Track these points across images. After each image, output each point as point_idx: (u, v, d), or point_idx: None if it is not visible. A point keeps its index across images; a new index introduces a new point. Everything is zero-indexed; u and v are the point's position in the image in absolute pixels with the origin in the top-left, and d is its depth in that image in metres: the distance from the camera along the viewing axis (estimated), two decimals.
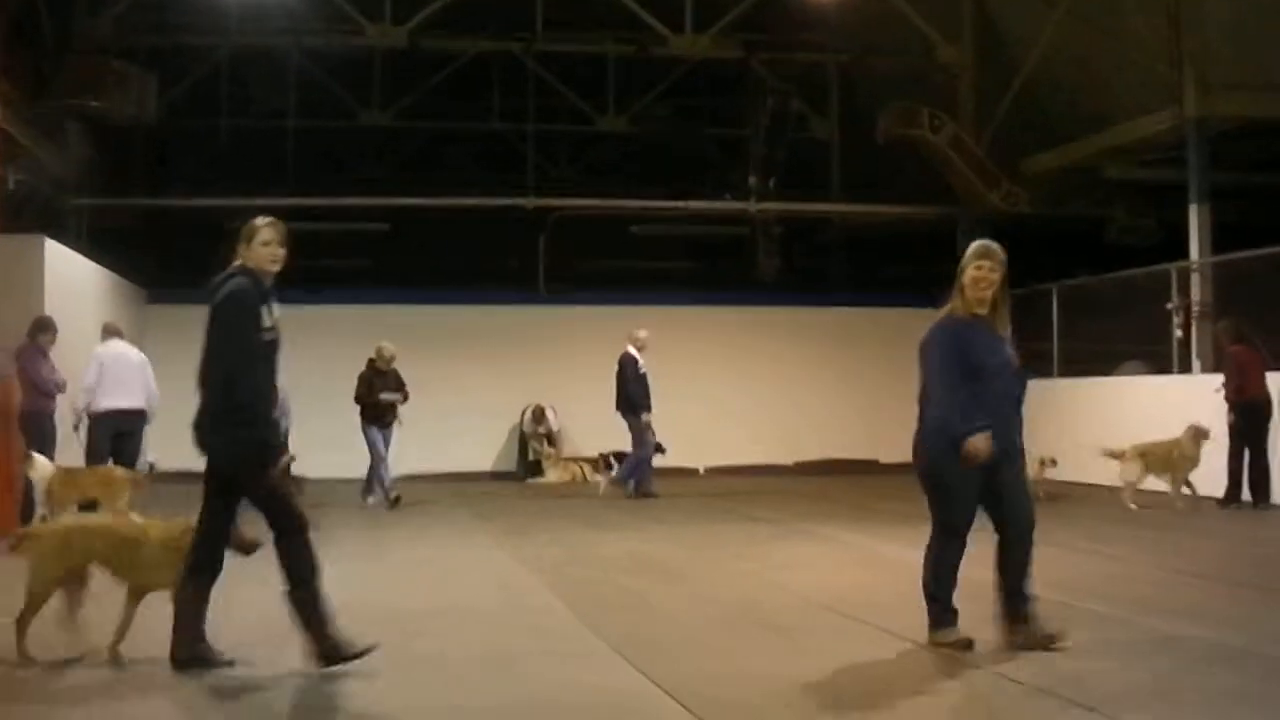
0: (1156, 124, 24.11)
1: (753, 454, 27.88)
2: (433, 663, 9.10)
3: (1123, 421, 22.33)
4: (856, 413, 28.41)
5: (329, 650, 8.61)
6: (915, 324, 30.03)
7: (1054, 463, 21.10)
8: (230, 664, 8.75)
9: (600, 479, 24.15)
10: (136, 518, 9.79)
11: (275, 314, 9.10)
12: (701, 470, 26.33)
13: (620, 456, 23.48)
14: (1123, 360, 24.79)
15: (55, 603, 9.24)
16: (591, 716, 7.71)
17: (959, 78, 30.13)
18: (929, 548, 9.33)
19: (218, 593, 8.99)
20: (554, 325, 27.47)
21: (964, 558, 9.23)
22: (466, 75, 31.95)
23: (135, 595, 9.30)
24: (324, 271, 30.90)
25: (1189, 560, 14.10)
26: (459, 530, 17.96)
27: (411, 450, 26.51)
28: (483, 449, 27.38)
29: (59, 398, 16.84)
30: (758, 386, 28.26)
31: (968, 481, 9.10)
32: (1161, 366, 23.49)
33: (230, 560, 9.12)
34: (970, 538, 9.16)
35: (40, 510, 15.57)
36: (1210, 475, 19.11)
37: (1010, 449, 9.28)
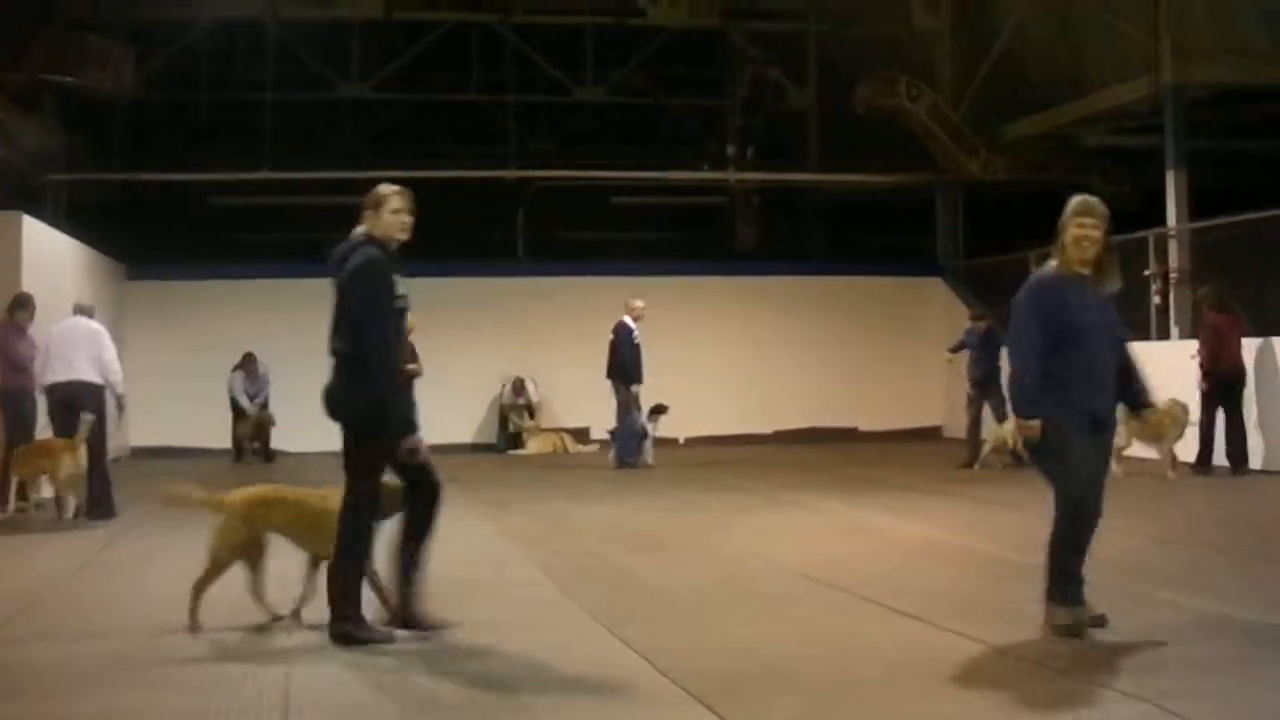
0: (1134, 91, 24.12)
1: (732, 423, 27.91)
2: (419, 636, 9.08)
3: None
4: (836, 381, 28.45)
5: (347, 630, 8.71)
6: (894, 292, 30.23)
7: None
8: (388, 639, 8.77)
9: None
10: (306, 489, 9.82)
11: (403, 282, 9.06)
12: (681, 440, 26.34)
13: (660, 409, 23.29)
14: None
15: (239, 571, 9.40)
16: (574, 686, 7.74)
17: (936, 46, 30.17)
18: (1054, 525, 8.64)
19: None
20: (534, 296, 27.44)
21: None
22: (444, 46, 31.86)
23: (315, 563, 9.41)
24: (307, 245, 30.93)
25: (1169, 527, 14.18)
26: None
27: None
28: (463, 421, 27.37)
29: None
30: (737, 356, 28.28)
31: (1076, 444, 8.47)
32: (1140, 333, 23.56)
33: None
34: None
35: None
36: (1184, 442, 19.15)
37: (1103, 417, 8.69)
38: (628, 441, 22.68)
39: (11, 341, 16.25)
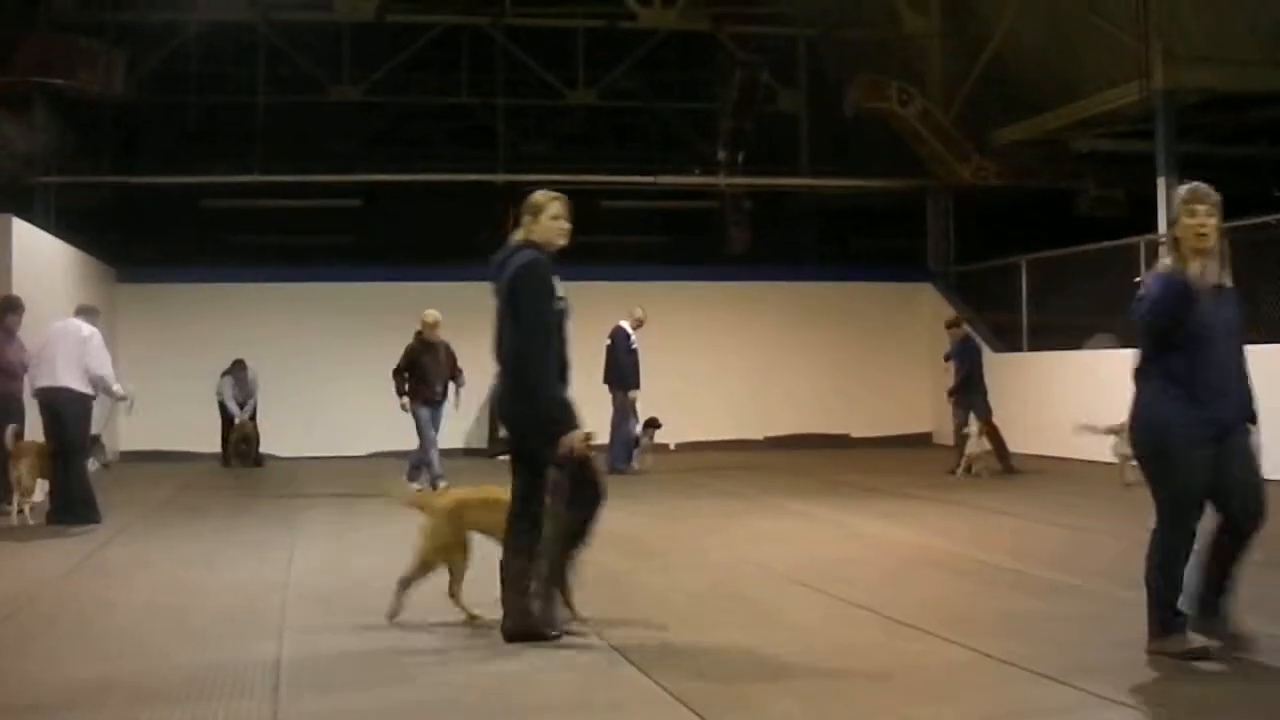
0: (1124, 96, 24.15)
1: (724, 428, 27.90)
2: (408, 639, 9.09)
3: (1092, 395, 22.41)
4: (827, 386, 28.47)
5: (519, 625, 8.83)
6: (884, 297, 30.22)
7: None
8: (558, 637, 8.84)
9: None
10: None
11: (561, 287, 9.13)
12: (672, 446, 26.31)
13: (653, 423, 23.37)
14: (1092, 333, 24.86)
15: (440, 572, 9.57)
16: (566, 690, 7.72)
17: (927, 50, 30.18)
18: (1153, 536, 8.20)
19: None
20: None
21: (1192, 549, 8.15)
22: (435, 49, 31.88)
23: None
24: (298, 248, 30.88)
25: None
26: None
27: (383, 427, 26.53)
28: (453, 425, 27.29)
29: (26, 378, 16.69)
30: (728, 360, 28.28)
31: (1191, 455, 7.90)
32: (1131, 340, 23.53)
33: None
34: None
35: None
36: None
37: (1234, 422, 8.07)
38: (620, 448, 22.67)
39: (1, 345, 16.20)
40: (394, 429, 26.39)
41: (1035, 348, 26.27)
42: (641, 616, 9.68)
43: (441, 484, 18.89)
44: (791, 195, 33.12)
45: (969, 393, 21.62)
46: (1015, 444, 22.41)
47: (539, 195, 9.33)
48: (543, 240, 9.16)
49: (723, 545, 13.76)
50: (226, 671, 8.17)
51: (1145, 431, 8.19)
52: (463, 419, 27.23)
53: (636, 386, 22.62)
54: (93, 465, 16.59)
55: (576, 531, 9.05)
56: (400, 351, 23.83)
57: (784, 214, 34.15)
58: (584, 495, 9.03)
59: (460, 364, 20.20)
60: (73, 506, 15.48)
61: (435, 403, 20.03)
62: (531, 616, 8.83)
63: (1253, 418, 8.25)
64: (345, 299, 27.48)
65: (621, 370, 22.60)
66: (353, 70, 31.55)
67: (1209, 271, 8.05)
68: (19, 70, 24.81)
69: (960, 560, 10.60)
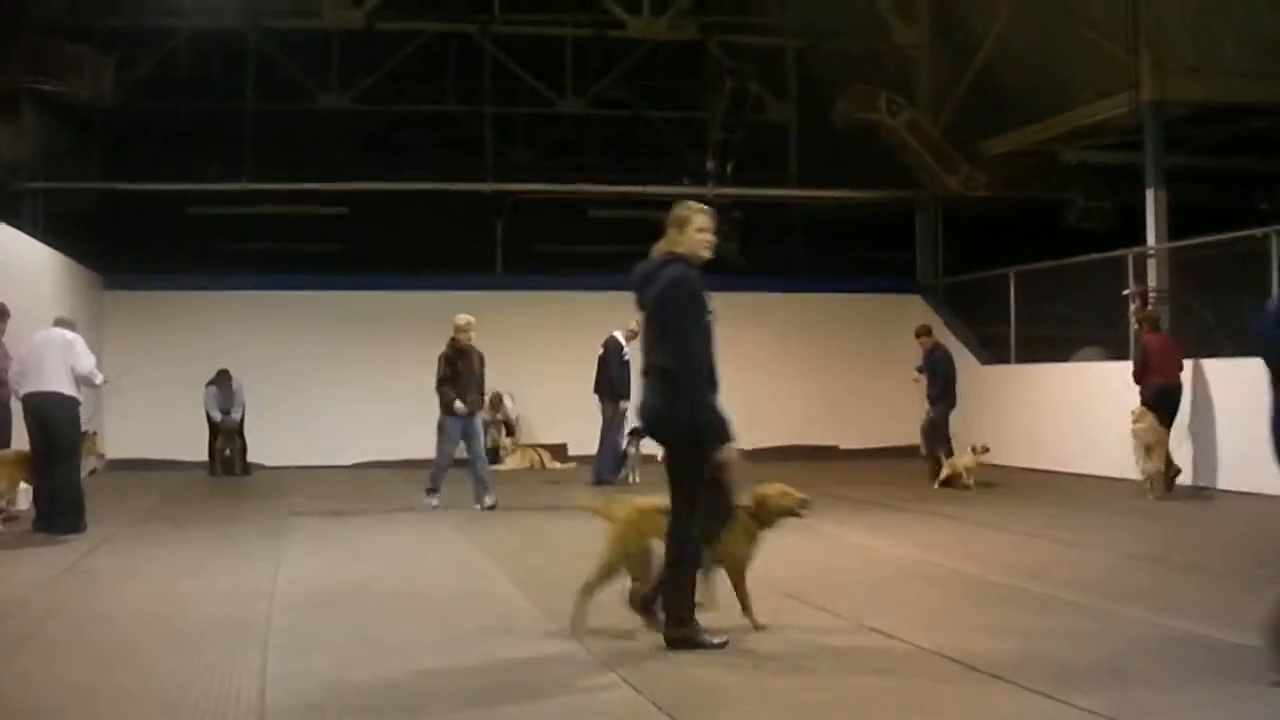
0: (1113, 108, 24.16)
1: None
2: (394, 647, 9.10)
3: (1080, 407, 22.47)
4: (816, 397, 28.46)
5: (683, 634, 8.91)
6: (873, 308, 30.23)
7: (985, 449, 21.20)
8: (722, 645, 8.89)
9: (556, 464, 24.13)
10: None
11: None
12: (659, 457, 26.24)
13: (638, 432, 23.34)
14: (1080, 345, 24.90)
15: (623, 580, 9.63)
16: (551, 700, 7.71)
17: (916, 61, 30.21)
18: None
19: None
20: (511, 309, 27.27)
21: None
22: (424, 57, 31.87)
23: (705, 569, 9.60)
24: (286, 256, 30.81)
25: (1134, 543, 14.16)
26: (417, 516, 17.91)
27: (370, 436, 26.52)
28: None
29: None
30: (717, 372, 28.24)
31: None
32: (1119, 352, 23.53)
33: None
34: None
35: None
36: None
37: None
38: (607, 458, 22.64)
39: None
40: (381, 438, 26.48)
41: (1023, 359, 26.27)
42: (626, 626, 9.65)
43: (434, 501, 18.53)
44: (780, 206, 33.08)
45: (935, 405, 21.79)
46: (1003, 456, 22.46)
47: (686, 208, 9.46)
48: (689, 252, 9.26)
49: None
50: (213, 680, 8.15)
51: None
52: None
53: (628, 397, 22.57)
54: (95, 463, 16.51)
55: (677, 545, 9.08)
56: (391, 359, 23.88)
57: (773, 224, 34.14)
58: (715, 507, 9.17)
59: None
60: (60, 513, 15.38)
61: (469, 413, 19.13)
62: (692, 625, 8.95)
63: None
64: (333, 307, 27.43)
65: (613, 381, 22.56)
66: (341, 78, 31.52)
67: None
68: (7, 75, 24.73)
69: (949, 573, 10.60)
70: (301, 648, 9.07)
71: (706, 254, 9.29)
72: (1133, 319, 21.39)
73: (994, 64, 27.36)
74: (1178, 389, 19.90)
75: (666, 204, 29.74)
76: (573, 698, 7.86)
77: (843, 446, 28.43)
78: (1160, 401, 19.71)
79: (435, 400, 24.09)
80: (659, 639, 8.98)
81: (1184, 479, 19.47)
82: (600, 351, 22.81)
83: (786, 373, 28.53)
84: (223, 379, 25.38)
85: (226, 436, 25.31)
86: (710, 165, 31.12)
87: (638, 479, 22.68)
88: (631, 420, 22.90)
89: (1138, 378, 20.09)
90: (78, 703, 7.60)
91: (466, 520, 17.28)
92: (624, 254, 33.85)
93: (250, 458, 25.53)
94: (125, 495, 20.20)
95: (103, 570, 12.83)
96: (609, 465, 22.58)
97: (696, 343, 8.98)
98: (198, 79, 31.07)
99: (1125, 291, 23.24)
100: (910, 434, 26.36)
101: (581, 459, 25.06)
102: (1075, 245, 25.07)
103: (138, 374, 24.56)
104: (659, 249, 9.35)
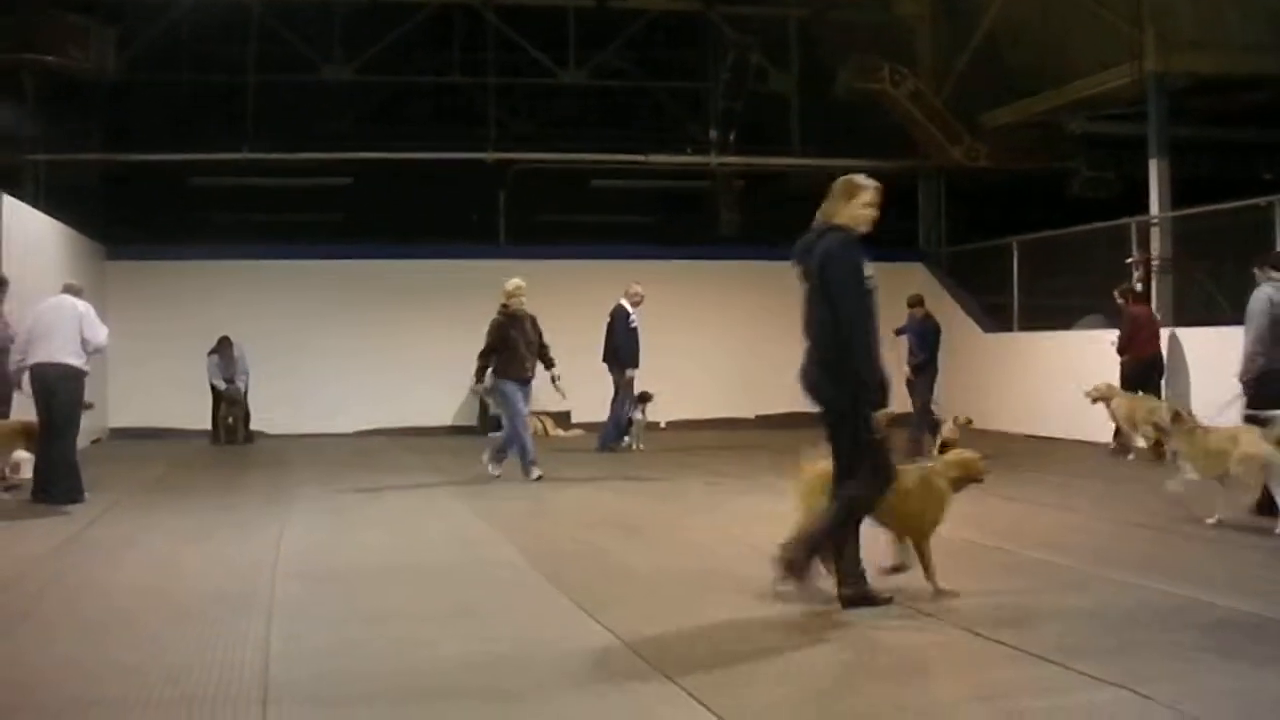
0: (1117, 78, 24.14)
1: (714, 407, 27.90)
2: (397, 617, 9.11)
3: (1082, 375, 22.45)
4: None
5: (855, 592, 9.11)
6: (877, 277, 29.82)
7: (969, 422, 21.17)
8: (889, 601, 9.10)
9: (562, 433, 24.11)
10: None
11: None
12: (663, 424, 26.26)
13: (645, 396, 23.32)
14: (1083, 314, 24.89)
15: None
16: (553, 669, 7.69)
17: (919, 31, 30.14)
18: None
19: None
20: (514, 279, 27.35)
21: None
22: (427, 28, 31.77)
23: (900, 538, 9.74)
24: (288, 227, 30.77)
25: (1134, 511, 14.15)
26: (418, 485, 17.90)
27: (372, 405, 26.57)
28: (443, 404, 27.34)
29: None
30: (719, 340, 28.28)
31: None
32: (1119, 321, 23.59)
33: None
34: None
35: None
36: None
37: None
38: (611, 426, 22.65)
39: None
40: (383, 407, 26.53)
41: (1026, 328, 26.26)
42: (630, 595, 9.67)
43: (535, 471, 17.84)
44: (782, 175, 33.04)
45: (920, 374, 21.82)
46: (1006, 424, 22.46)
47: (855, 179, 9.52)
48: (850, 223, 9.33)
49: (713, 524, 13.77)
50: (216, 652, 8.15)
51: None
52: (453, 397, 27.24)
53: (635, 365, 22.54)
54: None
55: (858, 506, 9.19)
56: (394, 329, 23.78)
57: (775, 194, 34.11)
58: (873, 471, 9.16)
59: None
60: (57, 483, 15.38)
61: (526, 380, 18.27)
62: (866, 584, 9.14)
63: None
64: (335, 277, 27.44)
65: (620, 349, 22.51)
66: (344, 49, 31.42)
67: None
68: (8, 47, 24.69)
69: (950, 541, 10.56)
70: (305, 618, 9.09)
71: (865, 228, 9.37)
72: (1116, 294, 21.47)
73: (997, 34, 27.31)
74: (1160, 359, 20.60)
75: (670, 174, 29.82)
76: (569, 664, 7.87)
77: None
78: (1144, 372, 20.33)
79: (437, 368, 24.19)
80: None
81: None
82: (607, 320, 22.75)
83: (787, 341, 28.35)
84: (224, 346, 25.37)
85: (230, 404, 25.33)
86: (713, 135, 31.12)
87: (642, 446, 22.74)
88: (638, 388, 22.97)
89: (1122, 349, 20.56)
90: (78, 676, 7.58)
91: (467, 488, 17.27)
92: (626, 224, 34.01)
93: (253, 426, 25.56)
94: (128, 464, 20.22)
95: (104, 541, 12.83)
96: (611, 433, 22.59)
97: (860, 307, 9.07)
98: (200, 50, 30.99)
99: (1128, 260, 23.24)
100: (909, 402, 26.44)
101: (588, 426, 25.08)
102: (1078, 215, 25.06)
103: (140, 342, 24.62)
104: (821, 217, 9.49)
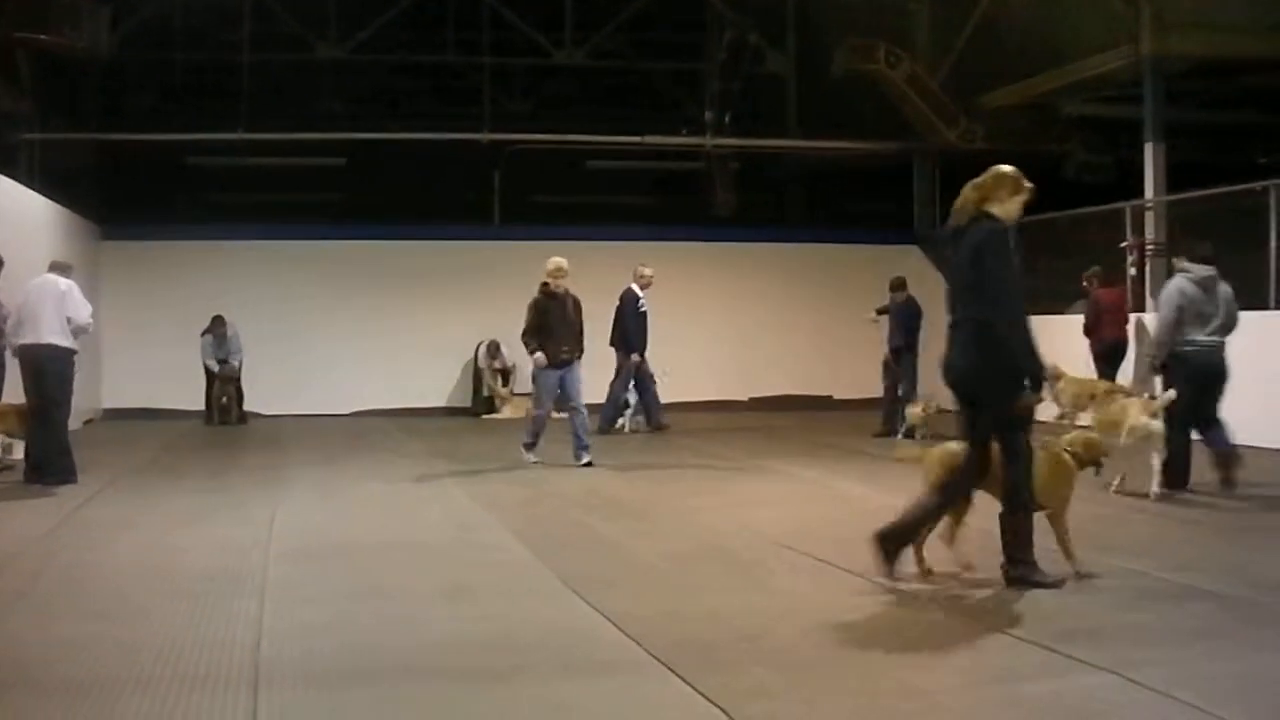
0: (1113, 61, 24.08)
1: (708, 390, 27.85)
2: (389, 598, 9.12)
3: (1077, 358, 22.44)
4: (812, 348, 28.42)
5: (1022, 573, 9.24)
6: (870, 260, 29.99)
7: (939, 409, 21.15)
8: (1059, 584, 9.16)
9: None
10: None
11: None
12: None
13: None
14: (1077, 298, 24.86)
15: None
16: (548, 653, 7.71)
17: (915, 12, 30.07)
18: None
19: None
20: (509, 260, 27.15)
21: None
22: (422, 8, 31.67)
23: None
24: (283, 207, 30.74)
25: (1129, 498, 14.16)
26: (413, 466, 17.86)
27: (367, 386, 26.54)
28: (437, 384, 27.31)
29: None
30: (713, 322, 28.24)
31: None
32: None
33: None
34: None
35: None
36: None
37: None
38: (609, 409, 22.61)
39: None
40: (378, 387, 26.52)
41: None
42: (624, 578, 9.67)
43: (532, 457, 17.74)
44: (778, 157, 33.03)
45: (902, 357, 21.87)
46: None
47: (1021, 177, 9.68)
48: (1004, 216, 9.47)
49: (708, 507, 13.74)
50: (209, 630, 8.17)
51: None
52: (446, 378, 27.23)
53: (640, 350, 22.48)
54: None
55: (1020, 488, 9.36)
56: (389, 309, 23.73)
57: (771, 175, 34.10)
58: (1015, 453, 9.35)
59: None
60: (50, 464, 15.38)
61: (563, 363, 17.52)
62: (1033, 565, 9.24)
63: None
64: (330, 257, 27.41)
65: (628, 333, 22.46)
66: (339, 29, 31.34)
67: None
68: (1, 27, 24.60)
69: (945, 524, 10.55)
70: (298, 598, 9.10)
71: (1010, 222, 9.53)
72: (1083, 279, 21.67)
73: (994, 16, 27.23)
74: (1125, 343, 21.03)
75: (666, 155, 29.70)
76: (558, 645, 7.88)
77: (836, 396, 28.41)
78: (1110, 355, 20.76)
79: (432, 350, 24.16)
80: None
81: None
82: (617, 304, 22.67)
83: (782, 323, 28.52)
84: (217, 325, 25.32)
85: (223, 384, 25.30)
86: (709, 116, 31.06)
87: (634, 427, 22.75)
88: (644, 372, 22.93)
89: (1088, 331, 21.01)
90: (73, 655, 7.58)
91: (459, 470, 17.27)
92: (621, 205, 33.97)
93: (247, 407, 25.54)
94: (122, 445, 20.20)
95: (98, 521, 12.83)
96: (609, 415, 22.56)
97: (1018, 304, 9.24)
98: (195, 30, 30.88)
99: (1123, 244, 23.23)
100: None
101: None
102: (1074, 198, 25.02)
103: (134, 323, 24.62)
104: (966, 204, 9.58)
